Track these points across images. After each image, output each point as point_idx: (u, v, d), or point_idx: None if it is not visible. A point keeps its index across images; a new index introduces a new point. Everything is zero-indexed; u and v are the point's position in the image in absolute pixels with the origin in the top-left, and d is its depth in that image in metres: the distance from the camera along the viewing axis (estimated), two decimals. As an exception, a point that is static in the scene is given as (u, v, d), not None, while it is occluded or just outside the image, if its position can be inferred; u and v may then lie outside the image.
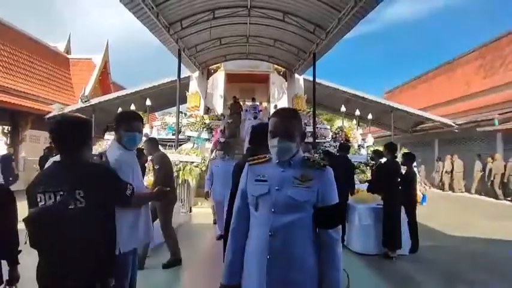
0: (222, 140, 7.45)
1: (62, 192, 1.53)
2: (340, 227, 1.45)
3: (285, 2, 8.41)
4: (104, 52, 18.97)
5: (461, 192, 13.19)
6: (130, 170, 2.11)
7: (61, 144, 1.67)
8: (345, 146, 6.12)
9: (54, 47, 17.77)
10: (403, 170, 5.06)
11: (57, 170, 1.65)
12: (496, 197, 11.26)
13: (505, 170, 11.23)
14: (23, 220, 1.55)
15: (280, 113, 1.51)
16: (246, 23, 9.78)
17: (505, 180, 11.16)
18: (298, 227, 1.38)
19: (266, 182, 1.45)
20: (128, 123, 2.18)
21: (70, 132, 1.66)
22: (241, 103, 13.37)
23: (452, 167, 13.66)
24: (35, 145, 13.50)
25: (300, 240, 1.37)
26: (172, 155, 8.62)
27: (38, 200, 1.54)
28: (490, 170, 11.66)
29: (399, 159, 5.56)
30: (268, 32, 10.31)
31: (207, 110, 13.58)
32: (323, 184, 1.41)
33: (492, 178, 11.53)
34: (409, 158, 5.20)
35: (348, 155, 6.22)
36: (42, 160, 7.06)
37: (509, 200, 10.87)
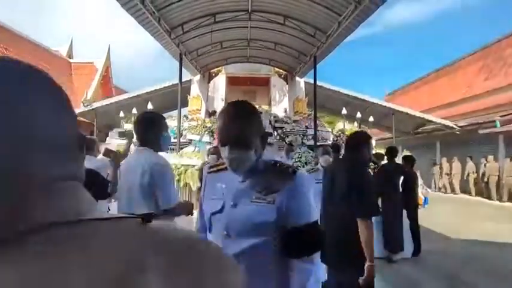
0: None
1: None
2: (315, 255, 1.10)
3: (286, 6, 8.45)
4: (106, 56, 19.10)
5: (455, 194, 13.15)
6: (171, 171, 1.98)
7: None
8: (338, 146, 4.82)
9: (56, 51, 17.89)
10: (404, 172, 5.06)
11: None
12: (494, 199, 11.26)
13: (499, 171, 11.28)
14: None
15: (230, 111, 1.11)
16: (247, 27, 9.83)
17: (503, 182, 11.16)
18: (257, 256, 1.03)
19: (222, 195, 1.12)
20: (164, 124, 2.00)
21: None
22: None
23: (451, 169, 13.66)
24: (37, 149, 13.55)
25: (259, 274, 0.99)
26: (174, 159, 8.66)
27: None
28: (484, 172, 11.72)
29: (400, 161, 5.55)
30: (269, 35, 10.35)
31: (209, 113, 13.62)
32: (292, 197, 1.06)
33: (486, 180, 11.58)
34: (409, 161, 5.21)
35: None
36: None
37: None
